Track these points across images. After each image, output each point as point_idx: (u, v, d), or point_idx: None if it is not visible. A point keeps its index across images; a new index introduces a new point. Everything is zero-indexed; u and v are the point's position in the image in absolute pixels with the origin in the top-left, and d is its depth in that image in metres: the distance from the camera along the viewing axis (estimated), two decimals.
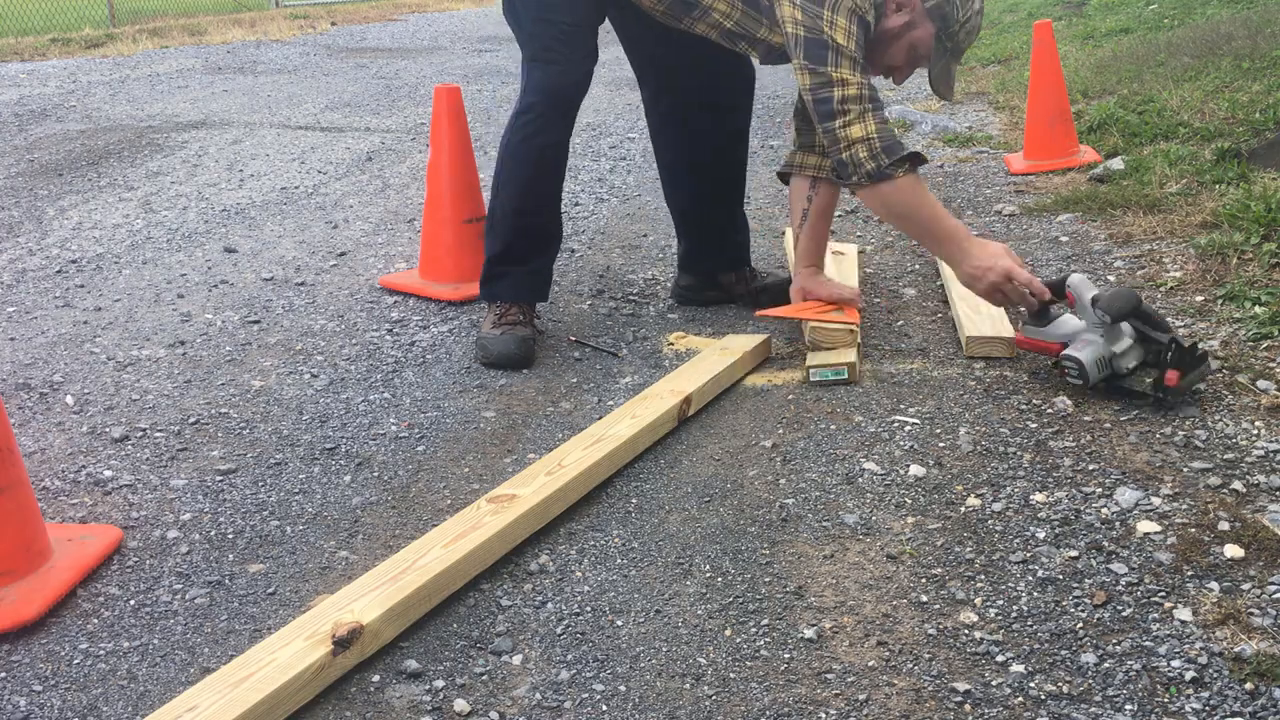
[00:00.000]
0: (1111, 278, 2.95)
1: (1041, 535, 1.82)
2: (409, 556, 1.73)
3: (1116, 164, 3.97)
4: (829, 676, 1.51)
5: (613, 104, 6.35)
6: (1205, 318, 2.61)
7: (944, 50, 2.46)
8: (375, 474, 2.15)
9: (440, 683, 1.54)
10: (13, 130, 5.95)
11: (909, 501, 1.95)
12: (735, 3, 2.45)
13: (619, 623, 1.66)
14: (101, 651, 1.64)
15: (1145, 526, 1.81)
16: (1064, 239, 3.35)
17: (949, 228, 2.35)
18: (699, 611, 1.67)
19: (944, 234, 2.36)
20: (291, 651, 1.50)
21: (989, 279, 2.31)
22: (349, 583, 1.78)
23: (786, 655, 1.56)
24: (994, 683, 1.48)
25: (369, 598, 1.62)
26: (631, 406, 2.27)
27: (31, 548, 1.79)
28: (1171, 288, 2.82)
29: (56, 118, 6.33)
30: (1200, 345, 2.16)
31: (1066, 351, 2.26)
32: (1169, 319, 2.63)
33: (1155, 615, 1.59)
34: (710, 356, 2.50)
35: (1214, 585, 1.64)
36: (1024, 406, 2.27)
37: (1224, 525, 1.79)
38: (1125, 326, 2.21)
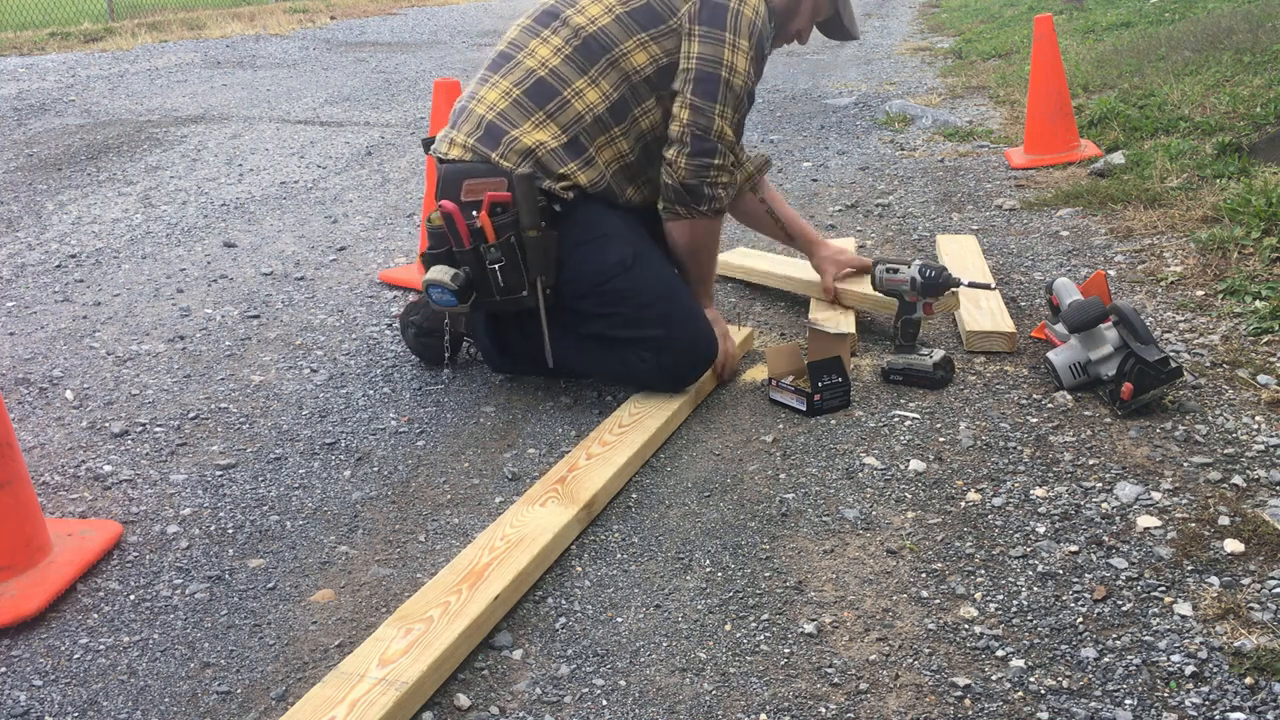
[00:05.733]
0: (1112, 272, 2.95)
1: (1041, 530, 1.82)
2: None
3: (1117, 158, 3.96)
4: (829, 671, 1.51)
5: None
6: (1205, 312, 2.61)
7: None
8: (375, 469, 2.15)
9: None
10: (11, 125, 5.94)
11: (909, 496, 1.95)
12: (664, 99, 2.31)
13: (619, 618, 1.65)
14: (101, 646, 1.64)
15: (1145, 521, 1.81)
16: (1064, 233, 3.34)
17: (713, 271, 2.52)
18: (699, 606, 1.67)
19: (711, 274, 2.51)
20: None
21: (721, 327, 2.45)
22: (348, 577, 1.78)
23: (786, 650, 1.56)
24: (994, 677, 1.48)
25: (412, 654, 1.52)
26: (631, 405, 2.29)
27: (31, 543, 1.79)
28: (1172, 282, 2.82)
29: (55, 112, 6.32)
30: (1173, 360, 2.13)
31: (1047, 354, 2.32)
32: (1170, 314, 2.63)
33: (1155, 610, 1.59)
34: None
35: (1214, 580, 1.64)
36: (1024, 401, 2.27)
37: (1224, 520, 1.78)
38: (1110, 334, 2.22)
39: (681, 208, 2.31)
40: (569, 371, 2.46)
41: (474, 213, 2.19)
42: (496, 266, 2.18)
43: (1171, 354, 2.28)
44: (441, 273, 2.21)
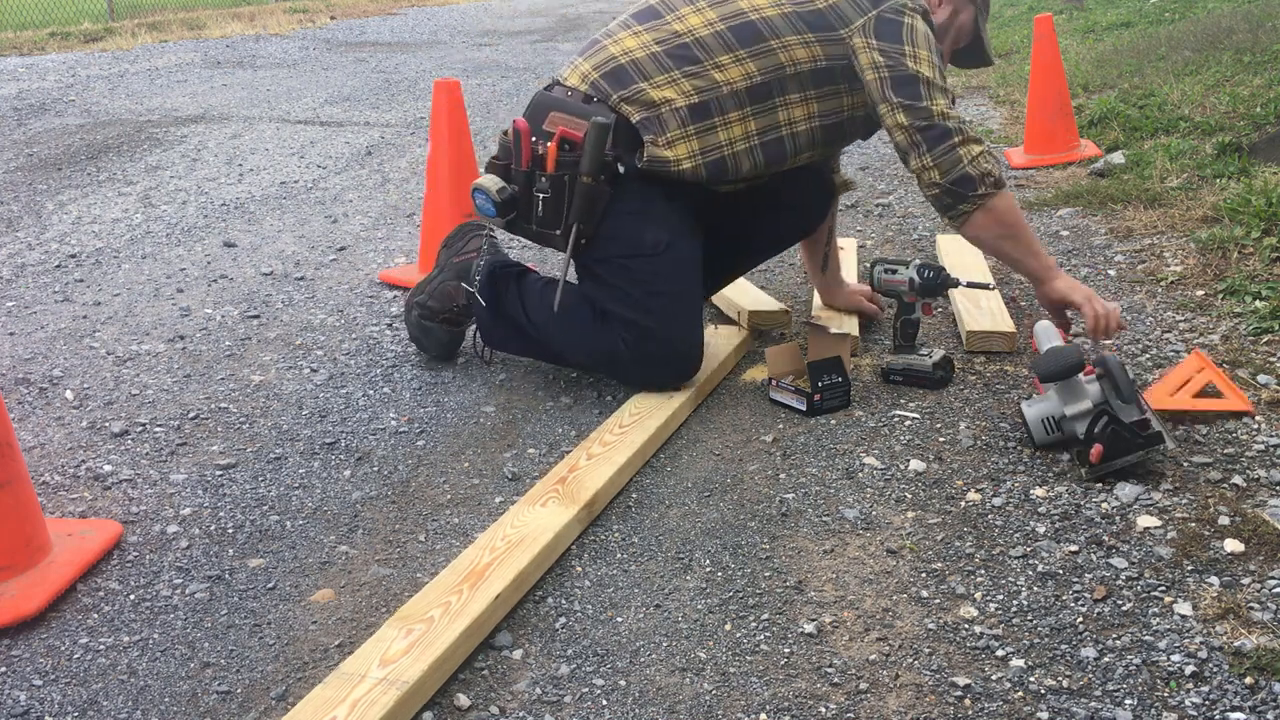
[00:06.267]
0: (1112, 272, 2.95)
1: (1042, 530, 1.82)
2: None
3: (1117, 158, 3.96)
4: (829, 671, 1.51)
5: None
6: (1205, 312, 2.61)
7: (981, 20, 2.51)
8: (375, 469, 2.15)
9: None
10: (11, 125, 5.94)
11: (909, 496, 1.95)
12: (810, 99, 2.32)
13: (619, 618, 1.65)
14: (101, 646, 1.64)
15: (1145, 521, 1.81)
16: (1065, 233, 3.34)
17: (1038, 245, 2.33)
18: (699, 606, 1.67)
19: (1038, 247, 2.32)
20: None
21: (1085, 290, 2.27)
22: (348, 577, 1.78)
23: (786, 650, 1.56)
24: (994, 677, 1.48)
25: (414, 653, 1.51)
26: (634, 402, 2.28)
27: (31, 543, 1.79)
28: (1172, 282, 2.82)
29: (55, 112, 6.32)
30: (1155, 423, 1.92)
31: (1021, 404, 2.10)
32: (1170, 314, 2.63)
33: (1155, 610, 1.59)
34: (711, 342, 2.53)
35: (1214, 580, 1.64)
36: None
37: (1224, 520, 1.78)
38: (1091, 388, 2.00)
39: (965, 204, 2.23)
40: (550, 341, 2.42)
41: (545, 141, 2.25)
42: (541, 196, 2.26)
43: (1153, 416, 1.96)
44: (491, 181, 2.31)
